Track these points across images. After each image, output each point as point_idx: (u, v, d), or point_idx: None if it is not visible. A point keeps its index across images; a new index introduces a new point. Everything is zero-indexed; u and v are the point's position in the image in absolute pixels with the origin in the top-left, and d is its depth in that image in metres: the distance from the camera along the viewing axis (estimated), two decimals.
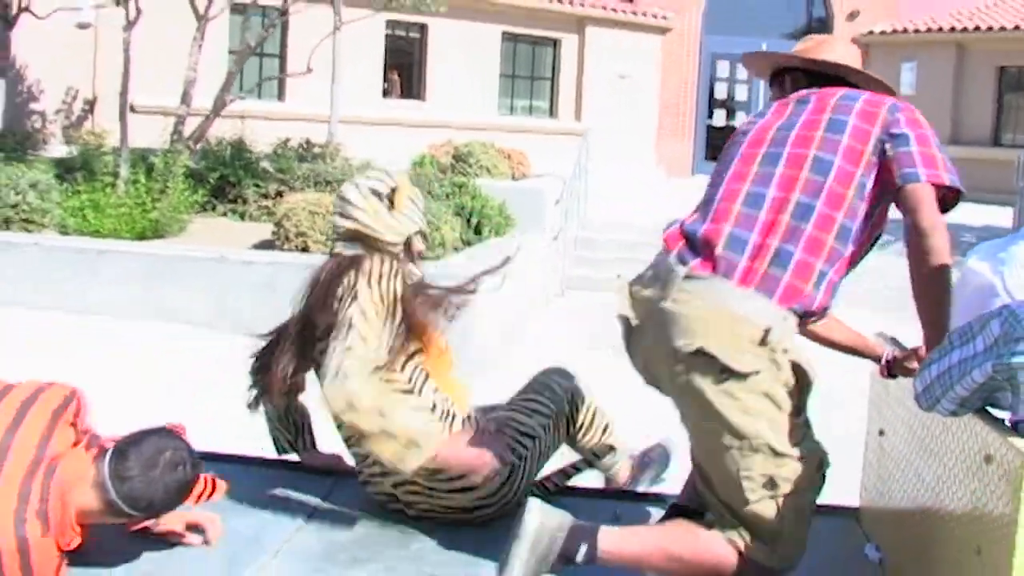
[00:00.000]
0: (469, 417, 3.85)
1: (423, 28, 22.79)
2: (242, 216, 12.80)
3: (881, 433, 3.67)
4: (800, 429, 3.06)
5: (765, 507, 3.01)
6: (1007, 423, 2.63)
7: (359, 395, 3.41)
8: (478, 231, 12.76)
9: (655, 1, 26.59)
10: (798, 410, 3.07)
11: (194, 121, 13.78)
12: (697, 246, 3.14)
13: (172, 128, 13.36)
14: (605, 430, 4.16)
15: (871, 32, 26.74)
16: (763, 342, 2.97)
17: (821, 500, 3.14)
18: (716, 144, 27.66)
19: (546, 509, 3.12)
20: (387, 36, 21.87)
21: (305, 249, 10.72)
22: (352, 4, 16.17)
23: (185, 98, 13.31)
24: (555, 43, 25.60)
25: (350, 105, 17.88)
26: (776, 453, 2.99)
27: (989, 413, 2.70)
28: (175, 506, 3.13)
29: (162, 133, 13.63)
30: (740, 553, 3.05)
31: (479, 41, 23.48)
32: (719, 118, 27.82)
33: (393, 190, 3.87)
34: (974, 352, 2.62)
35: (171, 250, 10.79)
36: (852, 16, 26.86)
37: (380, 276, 3.68)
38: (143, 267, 10.44)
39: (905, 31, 26.41)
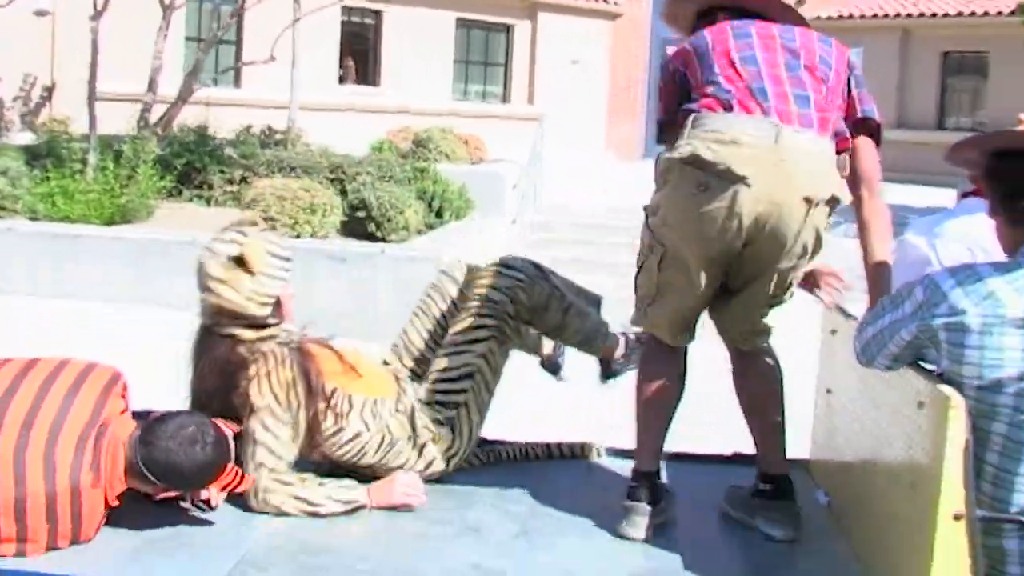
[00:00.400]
0: (398, 401, 3.91)
1: (378, 14, 23.06)
2: (208, 201, 13.06)
3: (829, 392, 4.08)
4: None
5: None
6: (936, 374, 3.04)
7: (285, 506, 3.56)
8: (439, 214, 13.11)
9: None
10: None
11: (159, 108, 14.02)
12: (761, 104, 3.39)
13: (138, 115, 13.59)
14: (567, 311, 4.16)
15: (818, 17, 27.19)
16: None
17: None
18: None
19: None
20: (342, 23, 22.10)
21: (273, 231, 11.01)
22: None
23: (152, 86, 13.56)
24: (508, 29, 25.95)
25: (307, 91, 18.09)
26: None
27: (921, 366, 3.10)
28: (194, 484, 3.33)
29: (127, 120, 13.85)
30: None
31: (433, 27, 23.76)
32: None
33: (242, 255, 3.62)
34: (902, 315, 3.01)
35: (144, 234, 11.07)
36: (800, 2, 27.30)
37: (268, 375, 3.61)
38: (117, 251, 10.71)
39: (852, 16, 26.97)
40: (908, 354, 3.04)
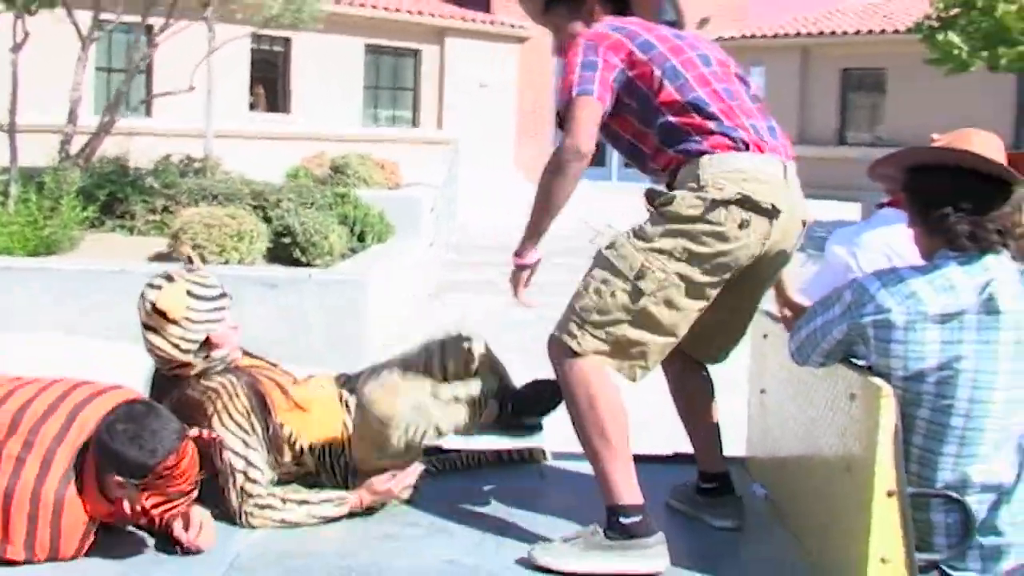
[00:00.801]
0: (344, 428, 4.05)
1: (287, 42, 23.17)
2: (131, 231, 13.14)
3: (763, 392, 4.40)
4: None
5: None
6: (865, 367, 3.37)
7: (269, 527, 3.77)
8: (361, 239, 13.33)
9: (512, 11, 27.35)
10: None
11: (78, 139, 14.09)
12: (764, 143, 3.69)
13: (59, 147, 13.66)
14: (468, 364, 4.27)
15: (720, 37, 27.77)
16: None
17: None
18: None
19: None
20: (252, 51, 22.20)
21: (202, 260, 11.16)
22: (221, 20, 16.60)
23: (71, 117, 13.64)
24: (416, 54, 26.21)
25: (219, 120, 18.24)
26: None
27: (852, 362, 3.43)
28: (143, 467, 3.31)
29: (41, 152, 13.90)
30: None
31: (342, 54, 23.94)
32: None
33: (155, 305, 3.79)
34: (833, 316, 3.35)
35: (73, 265, 11.16)
36: (703, 22, 27.92)
37: (225, 409, 3.81)
38: (47, 283, 10.81)
39: (753, 36, 27.58)
40: (839, 351, 3.37)
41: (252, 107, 23.23)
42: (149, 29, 15.64)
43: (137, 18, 14.75)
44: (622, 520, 3.54)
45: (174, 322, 3.80)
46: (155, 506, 3.44)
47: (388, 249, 13.36)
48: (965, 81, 19.15)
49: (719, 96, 3.71)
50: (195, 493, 3.54)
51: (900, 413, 3.14)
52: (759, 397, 4.44)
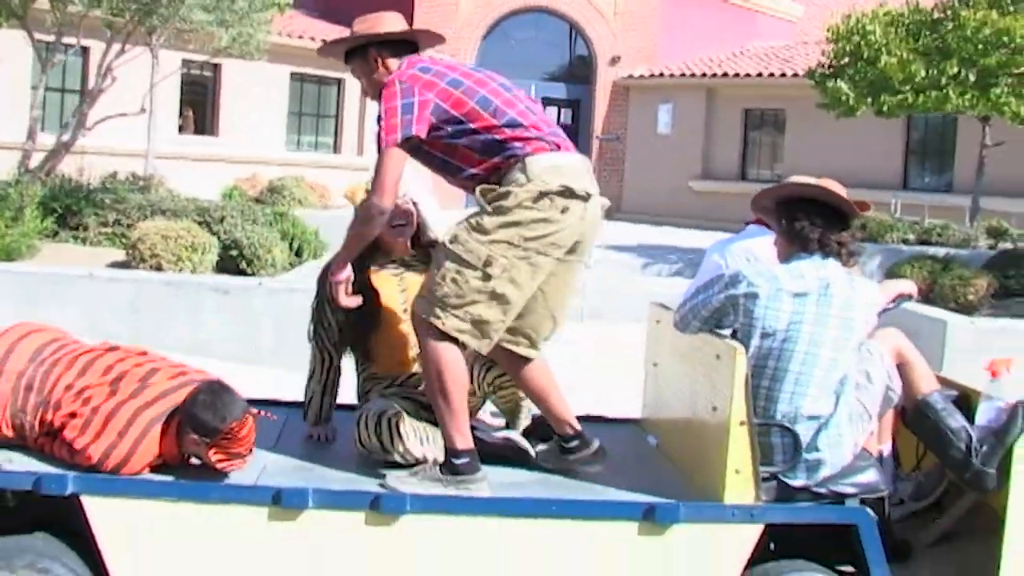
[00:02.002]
0: None
1: (216, 67, 24.18)
2: (84, 242, 14.25)
3: (655, 365, 5.71)
4: None
5: None
6: (728, 335, 4.70)
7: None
8: (299, 253, 14.54)
9: (431, 46, 28.55)
10: None
11: (36, 156, 15.13)
12: (568, 144, 4.74)
13: (19, 162, 14.70)
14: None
15: (631, 76, 29.11)
16: None
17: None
18: None
19: None
20: (183, 75, 23.17)
21: (159, 268, 12.35)
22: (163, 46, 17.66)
23: (31, 134, 14.69)
24: (339, 83, 27.28)
25: (146, 140, 19.41)
26: None
27: (718, 332, 4.76)
28: (213, 427, 4.46)
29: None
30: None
31: (269, 80, 24.89)
32: None
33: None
34: (712, 293, 4.75)
35: (42, 268, 12.24)
36: (614, 61, 29.19)
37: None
38: (17, 284, 11.81)
39: (662, 75, 28.74)
40: (713, 319, 4.76)
41: (181, 129, 24.18)
42: (85, 51, 16.61)
43: (86, 41, 15.71)
44: (453, 460, 4.65)
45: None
46: (218, 461, 4.59)
47: (322, 264, 14.56)
48: (858, 123, 20.41)
49: (526, 114, 4.65)
50: (250, 458, 4.71)
51: (753, 364, 4.49)
52: (653, 369, 5.76)
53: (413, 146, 4.67)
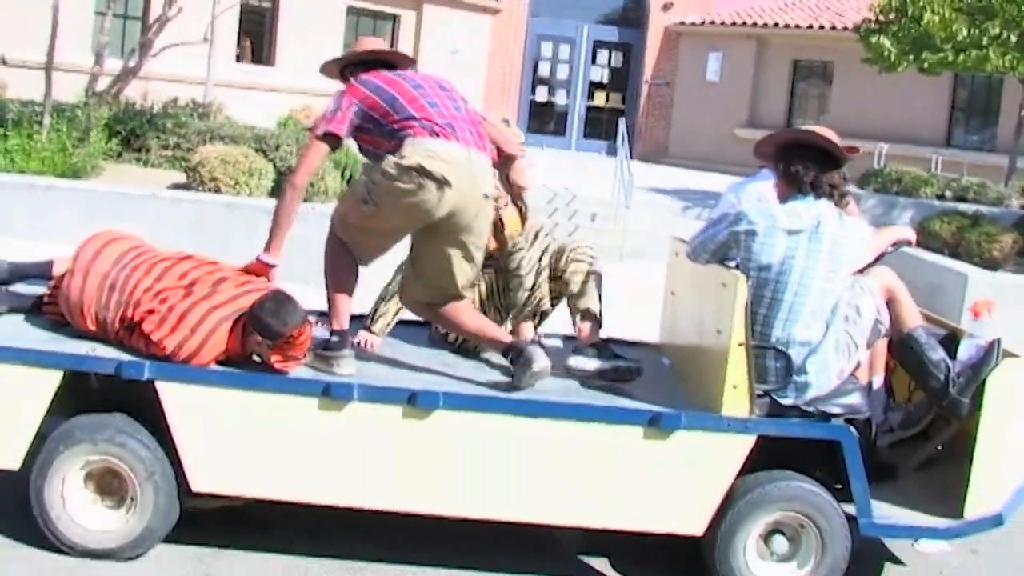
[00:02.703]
0: None
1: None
2: (145, 164, 14.87)
3: (673, 293, 6.28)
4: None
5: None
6: (734, 267, 5.26)
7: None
8: (350, 181, 15.11)
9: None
10: None
11: (103, 79, 15.73)
12: (453, 134, 5.48)
13: (87, 85, 15.33)
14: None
15: (682, 22, 29.46)
16: None
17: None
18: (538, 117, 30.32)
19: None
20: (242, 4, 23.67)
21: (217, 191, 12.99)
22: None
23: (98, 59, 15.29)
24: (395, 18, 27.75)
25: (206, 68, 19.91)
26: None
27: (724, 265, 5.32)
28: (275, 331, 5.10)
29: (68, 88, 15.52)
30: None
31: (326, 13, 25.37)
32: (541, 94, 30.45)
33: None
34: (719, 229, 5.35)
35: (109, 187, 12.89)
36: (667, 7, 29.54)
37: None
38: (85, 201, 12.49)
39: (713, 23, 29.11)
40: (721, 252, 5.38)
41: (239, 59, 24.75)
42: None
43: None
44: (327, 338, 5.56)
45: None
46: (277, 362, 5.23)
47: None
48: (905, 78, 20.73)
49: (423, 107, 5.48)
50: (304, 360, 5.37)
51: (752, 294, 5.05)
52: (671, 298, 6.33)
53: (354, 136, 5.61)
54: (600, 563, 5.72)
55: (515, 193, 6.17)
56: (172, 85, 19.00)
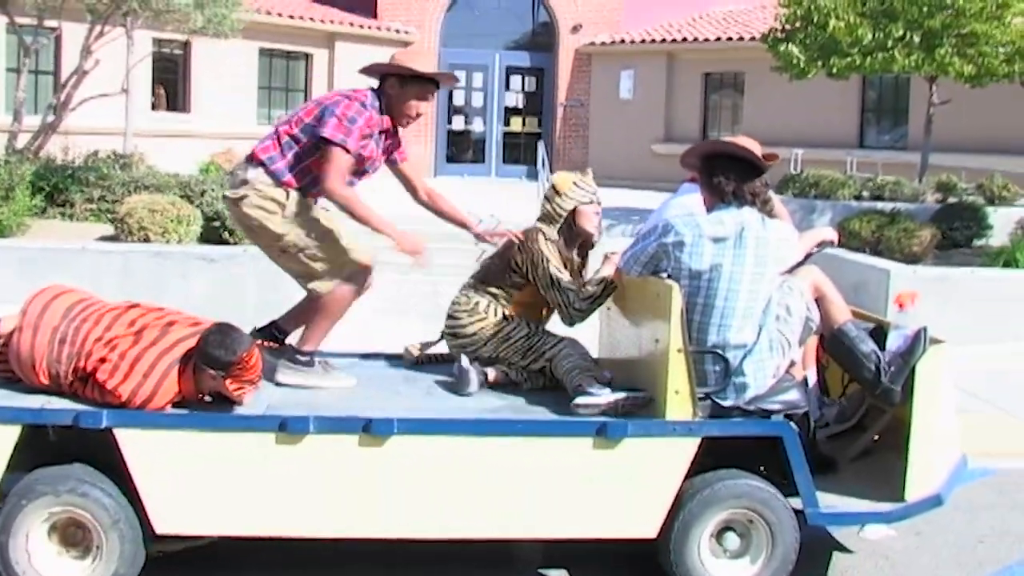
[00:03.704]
0: None
1: (186, 45, 24.71)
2: (71, 218, 14.94)
3: (608, 309, 6.47)
4: None
5: None
6: (665, 277, 5.45)
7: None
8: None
9: (397, 16, 29.21)
10: None
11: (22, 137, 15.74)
12: None
13: (7, 143, 15.33)
14: None
15: (592, 43, 29.72)
16: None
17: None
18: (457, 146, 30.48)
19: None
20: (153, 53, 23.67)
21: (147, 240, 13.07)
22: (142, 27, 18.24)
23: (16, 116, 15.31)
24: (307, 57, 27.88)
25: (124, 119, 20.02)
26: None
27: (658, 275, 5.51)
28: (224, 363, 5.25)
29: None
30: None
31: (239, 57, 25.33)
32: (458, 123, 30.60)
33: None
34: (649, 242, 5.55)
35: (38, 244, 12.91)
36: (575, 29, 29.78)
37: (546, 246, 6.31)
38: (15, 260, 12.46)
39: (623, 41, 29.36)
40: (652, 264, 5.57)
41: (154, 107, 24.72)
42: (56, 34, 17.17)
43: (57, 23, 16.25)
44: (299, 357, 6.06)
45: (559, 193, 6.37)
46: (235, 390, 5.34)
47: None
48: (815, 84, 20.97)
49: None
50: (260, 384, 5.52)
51: (685, 302, 5.25)
52: (607, 312, 6.52)
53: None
54: (559, 575, 5.86)
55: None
56: (91, 138, 18.96)
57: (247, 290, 12.20)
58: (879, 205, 17.61)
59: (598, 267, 6.37)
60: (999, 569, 6.30)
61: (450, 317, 6.45)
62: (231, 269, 12.69)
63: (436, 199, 6.62)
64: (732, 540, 5.51)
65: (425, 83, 6.12)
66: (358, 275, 6.05)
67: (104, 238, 13.59)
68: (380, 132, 6.09)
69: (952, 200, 18.36)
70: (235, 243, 13.53)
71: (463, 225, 6.61)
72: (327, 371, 6.07)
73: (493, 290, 6.43)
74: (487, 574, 5.81)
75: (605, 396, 5.57)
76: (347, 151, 5.84)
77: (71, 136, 18.39)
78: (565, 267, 6.31)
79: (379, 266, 6.34)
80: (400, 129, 6.27)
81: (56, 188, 15.10)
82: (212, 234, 13.79)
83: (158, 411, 5.26)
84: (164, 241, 13.13)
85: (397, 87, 6.07)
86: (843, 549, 6.36)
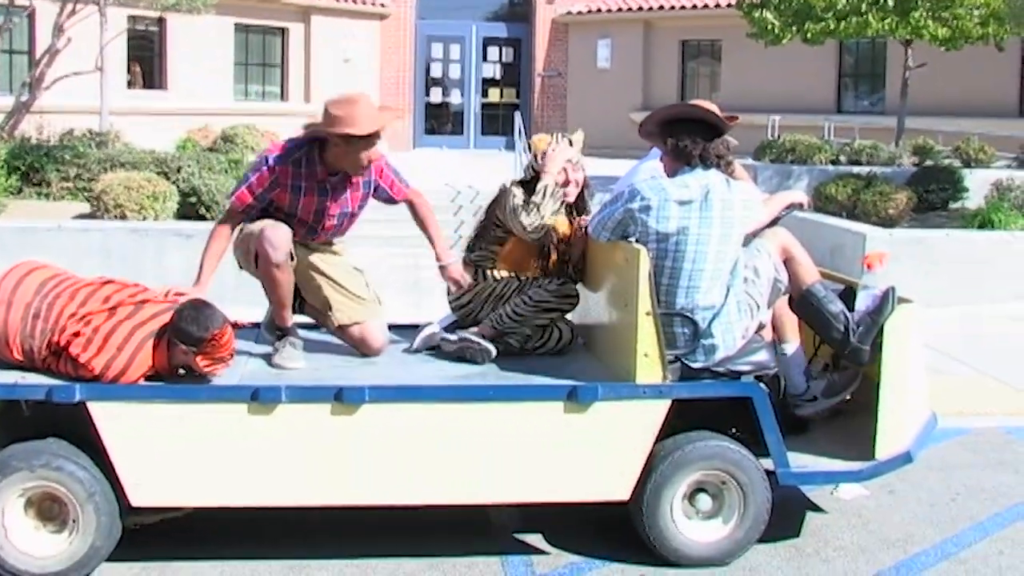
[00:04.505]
0: None
1: (161, 21, 24.57)
2: (48, 197, 14.92)
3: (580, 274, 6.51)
4: None
5: None
6: (633, 241, 5.48)
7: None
8: None
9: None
10: None
11: None
12: None
13: None
14: None
15: (569, 13, 29.69)
16: None
17: None
18: (435, 118, 30.45)
19: None
20: (128, 31, 23.53)
21: (123, 217, 13.06)
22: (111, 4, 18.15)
23: None
24: (283, 32, 27.76)
25: (99, 97, 19.89)
26: None
27: (626, 240, 5.54)
28: (197, 339, 5.28)
29: None
30: None
31: (214, 32, 25.23)
32: (435, 95, 30.58)
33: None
34: (616, 207, 5.59)
35: (14, 223, 12.89)
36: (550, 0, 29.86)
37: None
38: None
39: (599, 10, 29.36)
40: (620, 230, 5.61)
41: (130, 85, 24.60)
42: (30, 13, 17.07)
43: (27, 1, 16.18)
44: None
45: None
46: (206, 367, 5.38)
47: None
48: (792, 50, 20.94)
49: None
50: (232, 361, 5.53)
51: (653, 265, 5.29)
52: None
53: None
54: (535, 538, 5.91)
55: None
56: (66, 117, 18.88)
57: (225, 266, 12.13)
58: (855, 169, 17.64)
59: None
60: (1008, 506, 6.50)
61: (447, 292, 6.54)
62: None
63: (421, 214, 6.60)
64: (704, 501, 5.57)
65: (370, 136, 5.96)
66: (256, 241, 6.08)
67: (81, 216, 13.57)
68: (320, 182, 6.12)
69: (928, 163, 18.42)
70: (212, 219, 13.52)
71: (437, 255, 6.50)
72: (280, 349, 6.05)
73: (479, 254, 6.48)
74: (465, 538, 5.85)
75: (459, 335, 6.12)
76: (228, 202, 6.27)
77: (46, 115, 18.34)
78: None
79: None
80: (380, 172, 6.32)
81: (32, 167, 15.09)
82: (189, 210, 13.78)
83: (131, 384, 5.28)
84: (141, 218, 13.13)
85: (342, 144, 5.96)
86: (817, 509, 6.42)
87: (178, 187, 14.03)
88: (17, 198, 14.74)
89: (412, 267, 13.98)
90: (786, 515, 6.03)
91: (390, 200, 6.44)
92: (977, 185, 17.04)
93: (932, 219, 15.75)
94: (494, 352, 6.04)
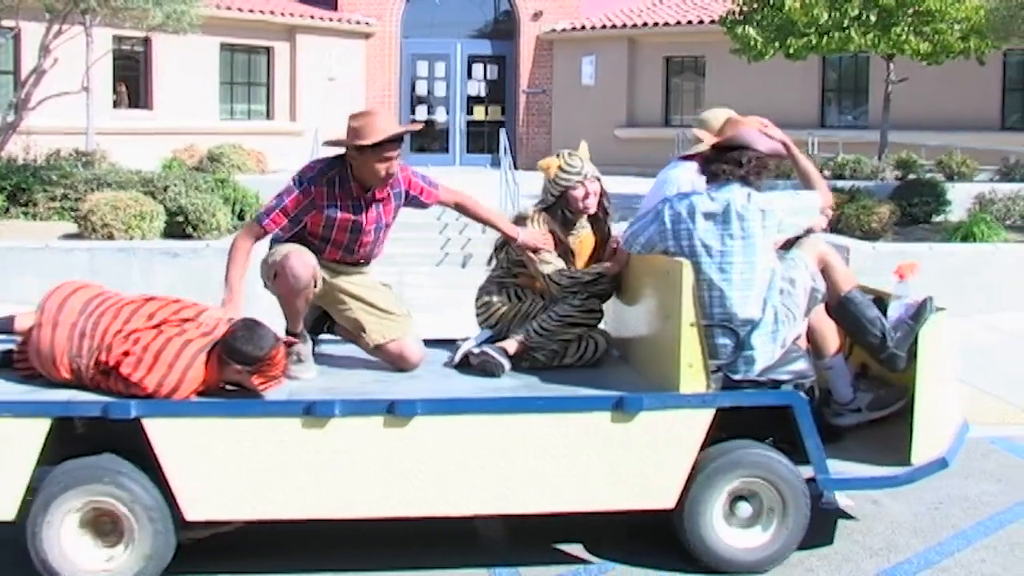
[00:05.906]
0: None
1: (147, 42, 24.48)
2: (34, 217, 14.83)
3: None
4: None
5: None
6: (669, 254, 5.45)
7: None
8: (241, 216, 15.13)
9: (358, 8, 29.06)
10: None
11: None
12: None
13: None
14: None
15: (553, 30, 29.68)
16: None
17: None
18: (421, 136, 30.36)
19: None
20: (114, 50, 23.41)
21: (110, 237, 12.99)
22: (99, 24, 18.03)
23: None
24: (269, 51, 27.73)
25: (86, 117, 19.87)
26: None
27: (667, 253, 5.53)
28: (250, 359, 5.25)
29: None
30: None
31: (200, 52, 25.18)
32: (421, 113, 30.50)
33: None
34: (649, 220, 5.67)
35: (2, 243, 12.82)
36: (536, 16, 29.73)
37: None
38: None
39: (584, 28, 29.38)
40: (651, 243, 5.68)
41: (115, 104, 24.49)
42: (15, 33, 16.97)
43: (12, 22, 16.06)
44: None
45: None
46: (260, 384, 5.37)
47: None
48: (775, 65, 20.98)
49: None
50: (284, 380, 5.57)
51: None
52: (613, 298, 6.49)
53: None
54: (523, 550, 5.86)
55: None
56: (52, 137, 18.80)
57: (212, 284, 12.04)
58: (839, 183, 17.68)
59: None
60: (990, 515, 6.48)
61: (476, 313, 6.52)
62: (195, 263, 12.83)
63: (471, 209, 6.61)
64: (745, 509, 5.54)
65: (382, 145, 5.87)
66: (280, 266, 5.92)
67: (68, 236, 13.47)
68: (356, 200, 6.04)
69: (911, 177, 18.47)
70: (198, 237, 13.50)
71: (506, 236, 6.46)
72: (294, 362, 5.96)
73: (500, 276, 6.49)
74: (453, 550, 5.82)
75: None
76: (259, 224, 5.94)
77: (33, 136, 18.19)
78: (557, 248, 6.33)
79: None
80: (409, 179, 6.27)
81: (19, 188, 15.05)
82: (175, 229, 13.72)
83: (185, 400, 5.27)
84: (128, 237, 13.10)
85: (357, 156, 5.90)
86: (848, 517, 6.37)
87: (165, 206, 13.96)
88: (4, 218, 14.66)
89: (397, 284, 13.86)
90: (819, 524, 5.94)
91: (422, 205, 6.40)
92: (960, 198, 17.13)
93: (915, 232, 15.79)
94: (508, 366, 6.01)
